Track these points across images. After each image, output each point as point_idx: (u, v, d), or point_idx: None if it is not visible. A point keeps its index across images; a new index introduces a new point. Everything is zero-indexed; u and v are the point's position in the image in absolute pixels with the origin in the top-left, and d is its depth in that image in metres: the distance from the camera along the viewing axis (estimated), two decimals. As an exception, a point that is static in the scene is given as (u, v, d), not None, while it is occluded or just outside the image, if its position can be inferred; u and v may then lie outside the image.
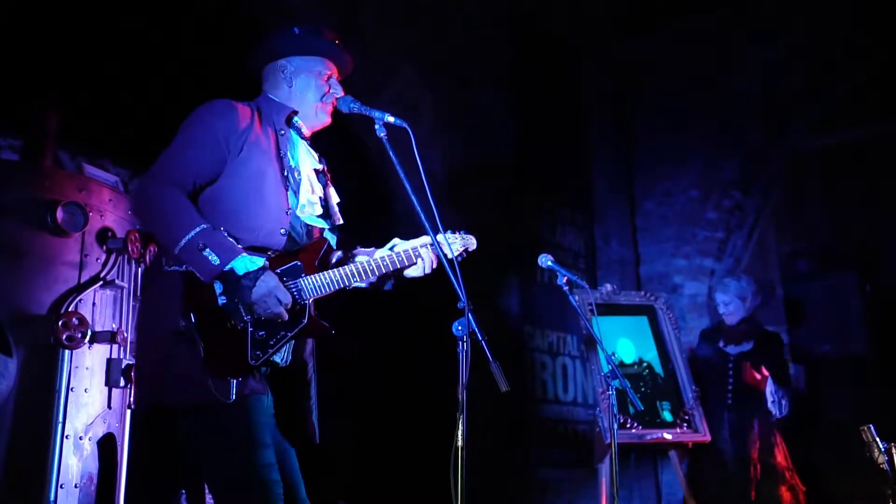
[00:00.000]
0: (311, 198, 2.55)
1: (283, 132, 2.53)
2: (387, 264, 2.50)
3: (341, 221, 2.66)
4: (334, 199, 2.67)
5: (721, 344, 4.95)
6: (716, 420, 4.76)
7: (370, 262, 2.48)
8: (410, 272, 2.59)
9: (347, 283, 2.45)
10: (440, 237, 2.50)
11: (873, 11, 5.89)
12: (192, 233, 2.20)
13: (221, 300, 2.24)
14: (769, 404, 4.59)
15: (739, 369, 4.77)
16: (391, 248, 2.57)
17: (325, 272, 2.41)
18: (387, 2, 5.17)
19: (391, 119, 2.41)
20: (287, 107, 2.57)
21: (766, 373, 4.60)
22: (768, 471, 4.56)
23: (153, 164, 2.32)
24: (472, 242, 2.65)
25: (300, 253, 2.42)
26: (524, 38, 6.29)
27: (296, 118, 2.58)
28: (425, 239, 2.55)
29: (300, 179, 2.52)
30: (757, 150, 6.62)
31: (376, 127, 2.41)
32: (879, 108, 6.48)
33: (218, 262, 2.20)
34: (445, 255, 2.34)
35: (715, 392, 4.83)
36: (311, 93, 2.58)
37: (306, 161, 2.59)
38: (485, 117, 5.84)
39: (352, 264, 2.46)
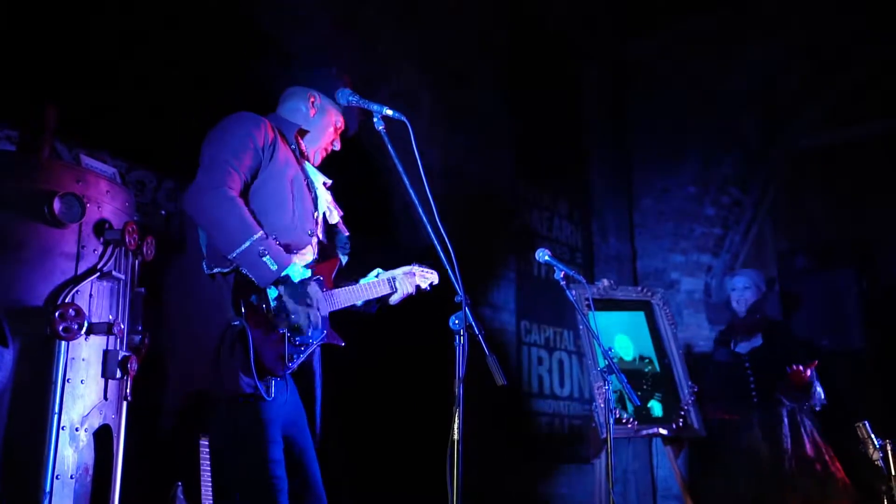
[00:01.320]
0: (329, 206, 2.77)
1: (293, 147, 2.69)
2: (381, 287, 2.80)
3: (347, 233, 2.85)
4: (339, 212, 2.87)
5: (733, 344, 4.94)
6: (743, 421, 4.75)
7: (370, 285, 2.78)
8: (392, 298, 2.89)
9: (354, 301, 2.71)
10: (415, 268, 2.91)
11: (872, 11, 5.90)
12: (252, 239, 2.33)
13: (274, 303, 2.41)
14: (814, 395, 4.61)
15: (756, 365, 4.77)
16: (376, 276, 2.87)
17: (338, 289, 2.65)
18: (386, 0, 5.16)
19: (389, 112, 2.41)
20: (297, 124, 2.73)
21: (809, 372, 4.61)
22: (801, 464, 4.55)
23: (199, 172, 2.44)
24: (434, 277, 2.97)
25: (320, 268, 2.60)
26: (523, 36, 6.29)
27: (302, 139, 2.75)
28: (405, 268, 2.88)
29: (317, 189, 2.72)
30: (755, 148, 6.64)
31: (374, 120, 2.42)
32: (878, 106, 6.49)
33: (276, 268, 2.34)
34: (444, 252, 2.35)
35: (737, 394, 4.81)
36: (323, 133, 2.77)
37: (316, 175, 2.77)
38: (484, 114, 5.84)
39: (357, 285, 2.74)
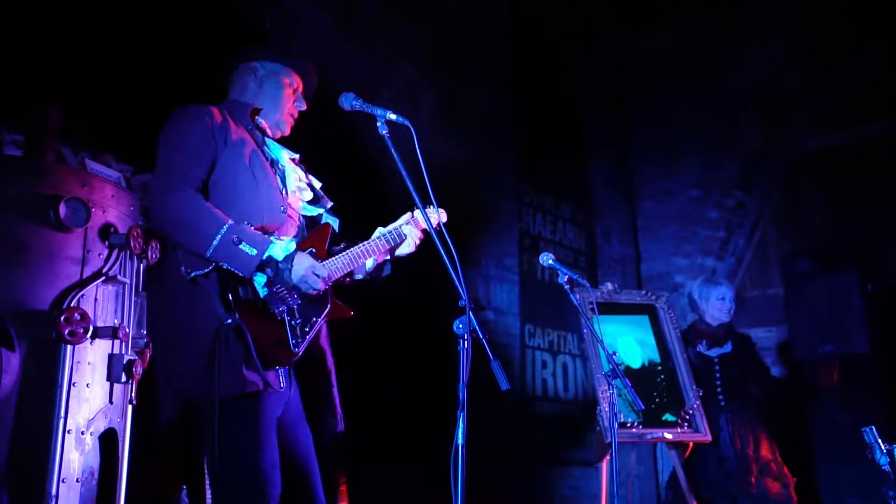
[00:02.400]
0: (299, 183, 2.65)
1: (250, 128, 2.60)
2: (383, 243, 2.65)
3: (331, 204, 2.74)
4: (317, 183, 2.75)
5: (702, 347, 4.97)
6: (711, 423, 4.78)
7: (369, 243, 2.63)
8: (402, 250, 2.74)
9: (356, 263, 2.56)
10: (417, 214, 2.71)
11: (872, 11, 5.89)
12: (223, 230, 2.26)
13: (263, 291, 2.32)
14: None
15: (725, 370, 4.83)
16: (379, 235, 2.70)
17: (336, 256, 2.52)
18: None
19: (393, 116, 2.41)
20: (247, 104, 2.64)
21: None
22: (760, 465, 4.62)
23: (155, 179, 2.38)
24: (443, 216, 2.74)
25: (309, 240, 2.50)
26: (523, 37, 6.30)
27: (258, 117, 2.65)
28: (405, 217, 2.73)
29: (284, 167, 2.62)
30: (757, 149, 6.63)
31: (378, 124, 2.42)
32: (879, 107, 6.48)
33: (255, 252, 2.27)
34: (447, 256, 2.34)
35: (705, 395, 4.86)
36: (278, 99, 2.66)
37: (281, 152, 2.67)
38: (484, 115, 5.85)
39: (357, 247, 2.58)
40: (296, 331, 2.35)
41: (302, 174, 2.70)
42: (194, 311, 2.30)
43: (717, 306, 5.02)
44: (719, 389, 4.84)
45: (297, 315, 2.36)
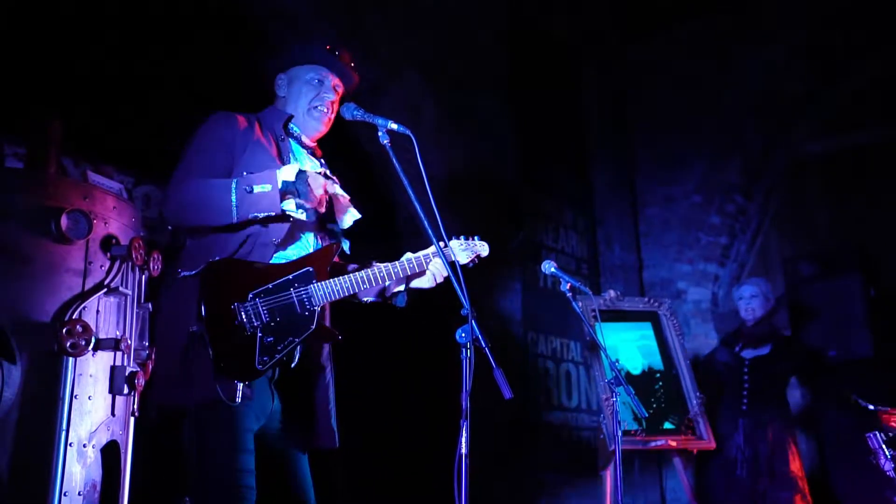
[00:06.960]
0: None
1: (282, 138, 2.62)
2: (396, 271, 2.54)
3: (359, 216, 2.71)
4: (344, 197, 2.69)
5: (738, 348, 4.95)
6: (730, 425, 4.75)
7: (380, 269, 2.53)
8: (419, 283, 2.67)
9: (357, 289, 2.48)
10: (453, 243, 2.63)
11: (873, 14, 5.90)
12: (234, 188, 2.33)
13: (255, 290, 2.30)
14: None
15: (755, 373, 4.77)
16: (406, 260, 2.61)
17: (335, 279, 2.45)
18: (387, 8, 5.18)
19: (394, 126, 2.41)
20: (283, 112, 2.68)
21: None
22: (782, 479, 4.55)
23: (172, 178, 2.44)
24: (483, 249, 2.70)
25: (311, 258, 2.46)
26: (524, 43, 6.31)
27: (292, 125, 2.68)
28: (432, 248, 2.57)
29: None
30: (758, 154, 6.63)
31: (379, 134, 2.42)
32: (880, 110, 6.48)
33: (271, 188, 2.34)
34: (449, 260, 2.33)
35: (729, 397, 4.83)
36: (301, 98, 2.68)
37: (307, 164, 2.64)
38: (486, 123, 5.85)
39: (362, 272, 2.50)
40: (266, 348, 2.29)
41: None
42: (177, 313, 2.33)
43: (740, 306, 5.05)
44: (745, 393, 4.79)
45: (270, 333, 2.31)
